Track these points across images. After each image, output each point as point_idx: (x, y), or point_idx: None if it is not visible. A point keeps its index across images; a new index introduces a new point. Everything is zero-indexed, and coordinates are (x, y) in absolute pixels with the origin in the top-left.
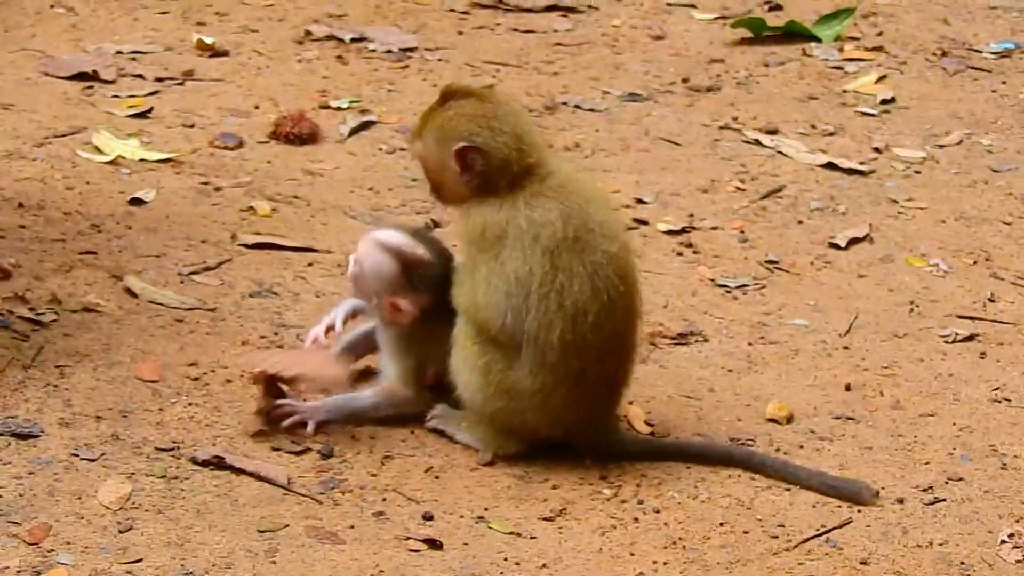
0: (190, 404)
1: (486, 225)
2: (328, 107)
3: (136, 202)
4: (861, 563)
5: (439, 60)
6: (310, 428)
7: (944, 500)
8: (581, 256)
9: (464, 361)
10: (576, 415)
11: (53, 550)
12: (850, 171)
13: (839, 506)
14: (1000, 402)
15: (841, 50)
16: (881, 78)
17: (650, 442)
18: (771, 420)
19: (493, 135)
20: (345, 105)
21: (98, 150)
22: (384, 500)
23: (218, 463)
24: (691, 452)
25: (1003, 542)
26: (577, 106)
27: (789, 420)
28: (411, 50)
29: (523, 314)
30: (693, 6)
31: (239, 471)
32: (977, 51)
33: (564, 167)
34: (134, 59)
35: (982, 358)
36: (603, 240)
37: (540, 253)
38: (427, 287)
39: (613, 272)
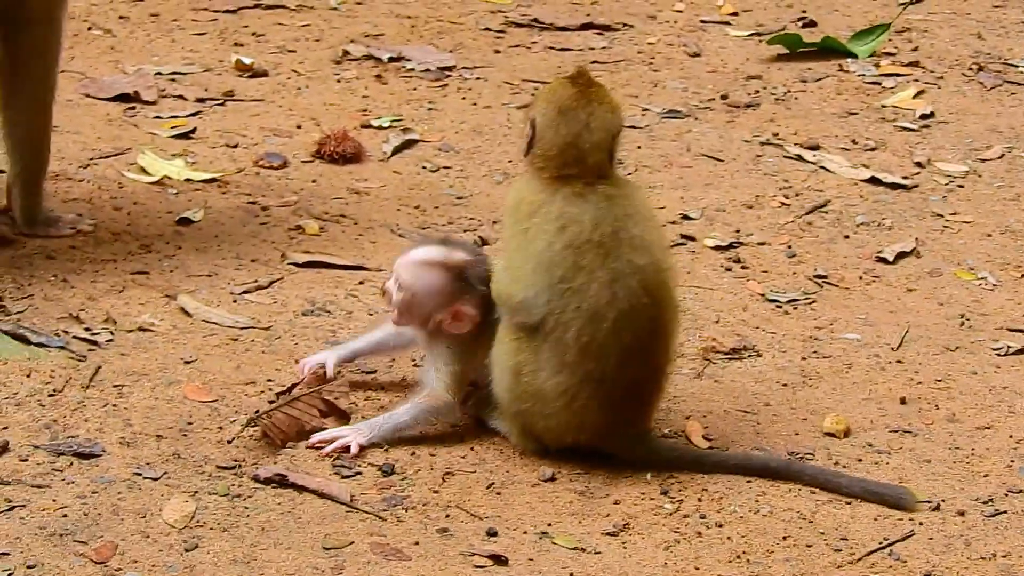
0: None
1: (522, 200)
2: (370, 126)
3: (184, 222)
4: (925, 575)
5: (477, 78)
6: (354, 450)
7: (1005, 512)
8: (604, 261)
9: (499, 357)
10: (599, 421)
11: (120, 569)
12: (894, 186)
13: (900, 519)
14: None
15: (877, 65)
16: (919, 93)
17: (686, 452)
18: (828, 434)
19: (549, 124)
20: (386, 124)
21: (144, 171)
22: (447, 516)
23: (280, 481)
24: (729, 464)
25: None
26: None
27: (846, 434)
28: (449, 69)
29: (543, 297)
30: (727, 23)
31: (301, 489)
32: (1013, 65)
33: (623, 183)
34: (174, 80)
35: None
36: (631, 251)
37: (562, 245)
38: (479, 285)
39: (637, 283)
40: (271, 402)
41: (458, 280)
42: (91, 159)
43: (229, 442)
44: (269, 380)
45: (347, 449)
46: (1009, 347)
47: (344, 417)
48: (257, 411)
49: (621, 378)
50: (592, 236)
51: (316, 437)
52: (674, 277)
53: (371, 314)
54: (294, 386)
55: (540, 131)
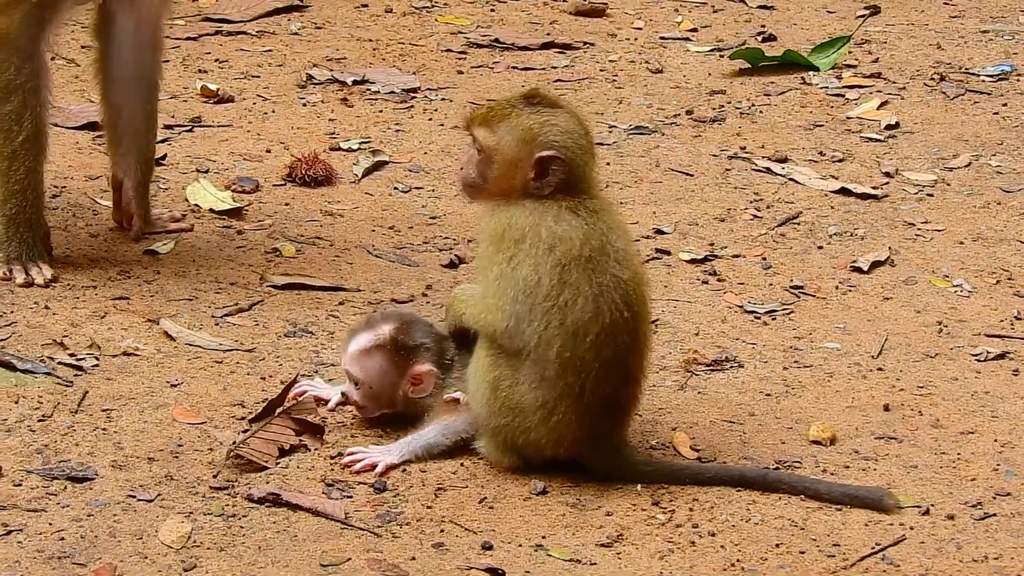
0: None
1: (509, 227)
2: (339, 148)
3: (151, 253)
4: None
5: (442, 99)
6: (380, 469)
7: (995, 515)
8: (590, 276)
9: (476, 372)
10: (578, 434)
11: None
12: (864, 196)
13: (891, 523)
14: None
15: (839, 78)
16: (883, 104)
17: (662, 464)
18: (815, 442)
19: (580, 152)
20: (355, 146)
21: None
22: (442, 531)
23: (274, 500)
24: (705, 476)
25: None
26: None
27: (832, 442)
28: (413, 91)
29: (526, 322)
30: (687, 39)
31: (296, 507)
32: (974, 74)
33: (600, 196)
34: None
35: (1015, 375)
36: (616, 265)
37: (551, 265)
38: (419, 340)
39: (619, 297)
40: (244, 431)
41: (398, 351)
42: (63, 188)
43: (217, 468)
44: (256, 401)
45: (374, 467)
46: (988, 352)
47: (318, 432)
48: (234, 442)
49: (600, 391)
50: (582, 251)
51: (348, 458)
52: (649, 289)
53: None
54: (270, 406)
55: (574, 165)
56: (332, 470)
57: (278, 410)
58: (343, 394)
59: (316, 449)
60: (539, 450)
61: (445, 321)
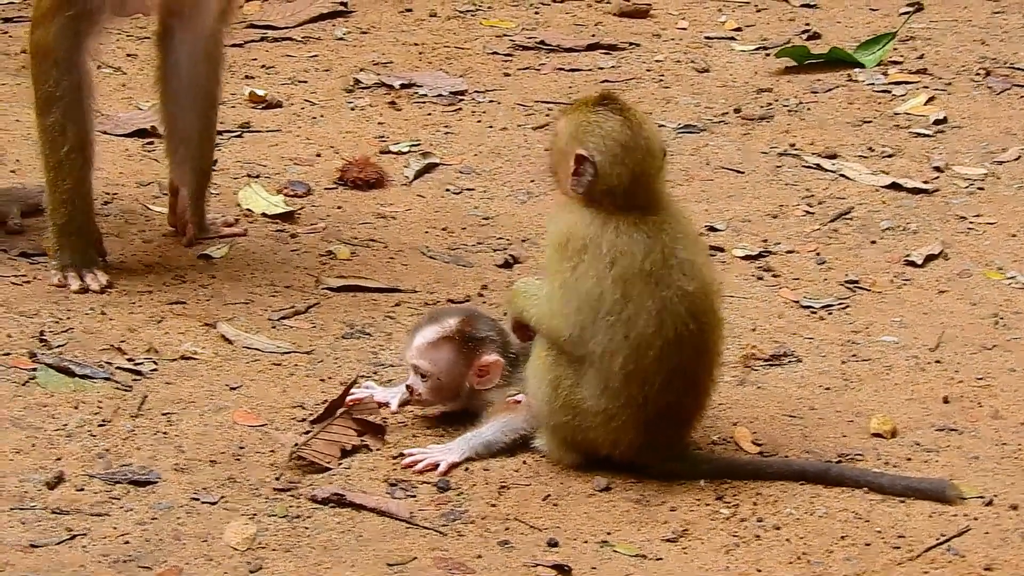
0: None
1: (571, 235)
2: (389, 152)
3: (205, 258)
4: (985, 569)
5: (490, 101)
6: (442, 468)
7: None
8: (653, 290)
9: (536, 370)
10: (639, 440)
11: None
12: (915, 190)
13: (955, 515)
14: None
15: (885, 74)
16: (930, 99)
17: (721, 462)
18: (876, 435)
19: (612, 161)
20: (405, 149)
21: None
22: (507, 529)
23: (338, 500)
24: (768, 470)
25: None
26: None
27: (893, 434)
28: (461, 93)
29: (590, 333)
30: (732, 39)
31: (360, 507)
32: (1020, 69)
33: (673, 206)
34: None
35: None
36: (681, 277)
37: (612, 280)
38: (485, 332)
39: (685, 310)
40: (306, 432)
41: (466, 342)
42: (115, 194)
43: (280, 470)
44: (316, 403)
45: (437, 466)
46: None
47: (380, 432)
48: (296, 444)
49: (663, 402)
50: (643, 266)
51: (409, 458)
52: (720, 298)
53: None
54: (331, 407)
55: (603, 169)
56: (395, 470)
57: (339, 411)
58: (408, 387)
59: (378, 449)
60: (597, 449)
61: (507, 314)
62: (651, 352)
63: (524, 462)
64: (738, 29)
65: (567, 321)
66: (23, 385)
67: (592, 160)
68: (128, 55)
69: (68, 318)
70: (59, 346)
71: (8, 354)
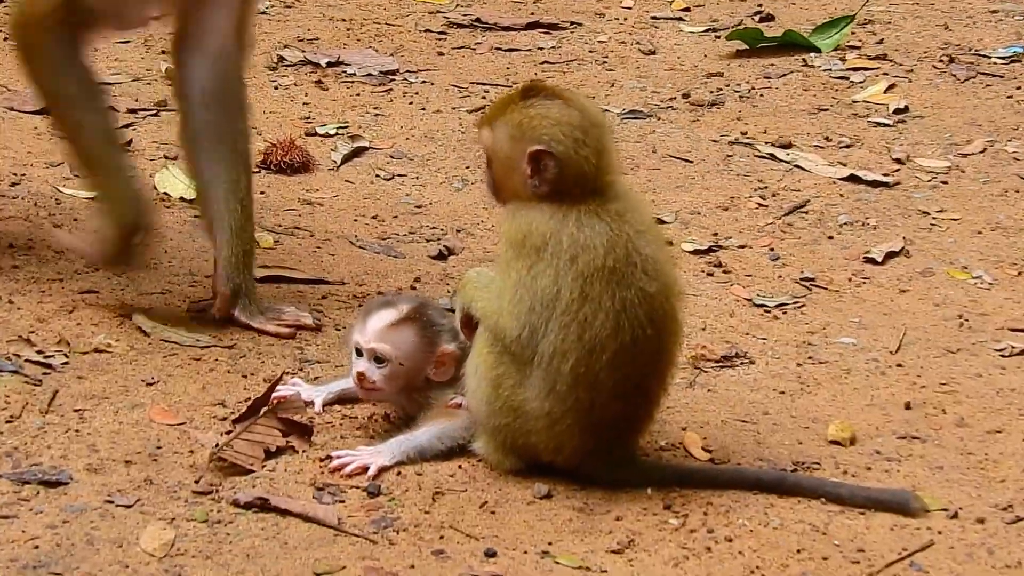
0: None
1: (530, 232)
2: (315, 134)
3: None
4: None
5: (423, 82)
6: (372, 471)
7: None
8: (613, 290)
9: (477, 368)
10: (583, 447)
11: None
12: (874, 183)
13: (918, 528)
14: None
15: (843, 60)
16: (890, 87)
17: (671, 470)
18: (834, 442)
19: (575, 146)
20: (332, 131)
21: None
22: (441, 538)
23: (262, 505)
24: (720, 479)
25: None
26: None
27: (852, 442)
28: (392, 73)
29: (540, 334)
30: (680, 19)
31: (285, 512)
32: (985, 56)
33: (630, 192)
34: None
35: None
36: (643, 277)
37: (572, 277)
38: (441, 320)
39: (644, 313)
40: (227, 432)
41: (428, 326)
42: (22, 175)
43: (200, 472)
44: (239, 401)
45: (366, 470)
46: (1013, 347)
47: (306, 433)
48: (216, 444)
49: (611, 408)
50: (605, 262)
51: (336, 461)
52: (680, 299)
53: (338, 328)
54: (255, 405)
55: (568, 157)
56: (322, 473)
57: (263, 410)
58: (359, 374)
59: (304, 451)
60: (538, 454)
61: (455, 305)
62: (605, 356)
63: (460, 466)
64: (687, 9)
65: (517, 321)
66: None
67: (552, 152)
68: None
69: None
70: None
71: None
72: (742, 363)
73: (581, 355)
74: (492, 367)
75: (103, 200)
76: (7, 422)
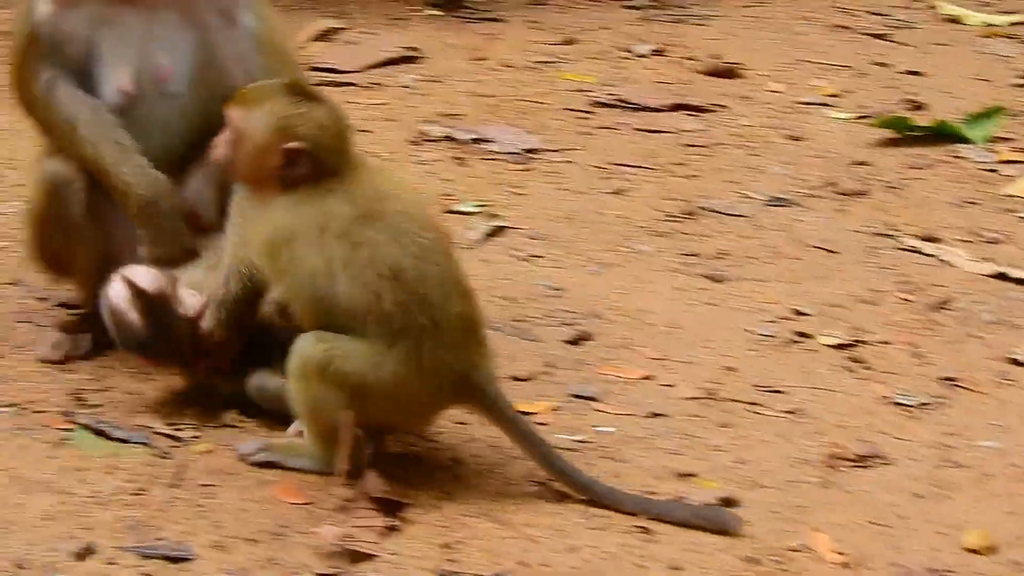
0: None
1: (274, 230)
2: (454, 211)
3: None
4: None
5: (564, 162)
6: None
7: None
8: (378, 224)
9: (305, 378)
10: (456, 366)
11: None
12: (1021, 281)
13: None
14: None
15: (994, 152)
16: None
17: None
18: (971, 551)
19: (334, 146)
20: (471, 209)
21: None
22: None
23: None
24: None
25: None
26: (718, 211)
27: (991, 551)
28: (534, 151)
29: (340, 301)
30: (828, 105)
31: None
32: None
33: (371, 167)
34: None
35: None
36: (395, 203)
37: (334, 236)
38: None
39: (416, 226)
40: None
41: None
42: None
43: (323, 553)
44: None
45: None
46: None
47: (396, 508)
48: (339, 524)
49: (451, 315)
50: (357, 213)
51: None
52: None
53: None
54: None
55: (318, 158)
56: (447, 561)
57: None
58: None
59: (420, 535)
60: (430, 407)
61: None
62: (409, 274)
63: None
64: (835, 95)
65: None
66: (56, 446)
67: (308, 151)
68: None
69: (107, 376)
70: (97, 406)
71: (43, 412)
72: (878, 463)
73: (388, 286)
74: (321, 362)
75: (116, 190)
76: (134, 495)
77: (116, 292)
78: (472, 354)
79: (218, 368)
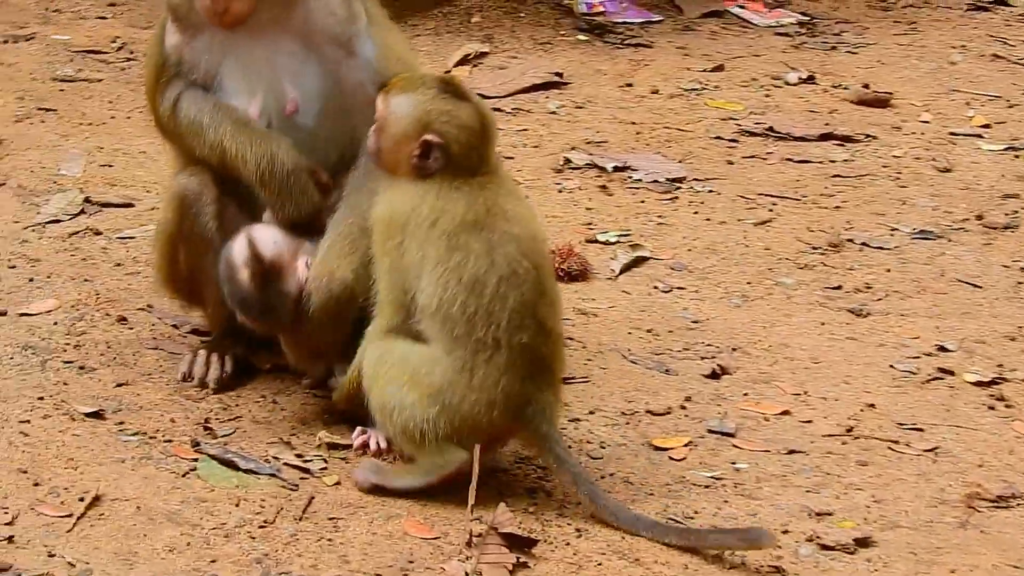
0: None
1: (393, 211)
2: (596, 241)
3: None
4: None
5: (709, 191)
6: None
7: None
8: (479, 234)
9: (386, 386)
10: (508, 390)
11: None
12: None
13: None
14: None
15: None
16: None
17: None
18: None
19: (471, 146)
20: (613, 239)
21: None
22: None
23: None
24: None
25: None
26: (864, 243)
27: None
28: (679, 180)
29: (420, 296)
30: (979, 136)
31: None
32: None
33: (498, 171)
34: None
35: None
36: (505, 223)
37: (436, 236)
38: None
39: (515, 249)
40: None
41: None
42: None
43: None
44: (495, 516)
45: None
46: None
47: (528, 545)
48: (468, 558)
49: (516, 342)
50: (465, 218)
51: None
52: (548, 246)
53: (604, 447)
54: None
55: (452, 152)
56: None
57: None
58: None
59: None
60: (474, 426)
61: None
62: (487, 289)
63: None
64: (987, 126)
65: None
66: (183, 476)
67: (443, 144)
68: None
69: (237, 405)
70: (225, 436)
71: (170, 441)
72: (1019, 504)
73: (465, 295)
74: (401, 370)
75: (242, 163)
76: (260, 527)
77: (237, 249)
78: (534, 389)
79: (315, 351)
